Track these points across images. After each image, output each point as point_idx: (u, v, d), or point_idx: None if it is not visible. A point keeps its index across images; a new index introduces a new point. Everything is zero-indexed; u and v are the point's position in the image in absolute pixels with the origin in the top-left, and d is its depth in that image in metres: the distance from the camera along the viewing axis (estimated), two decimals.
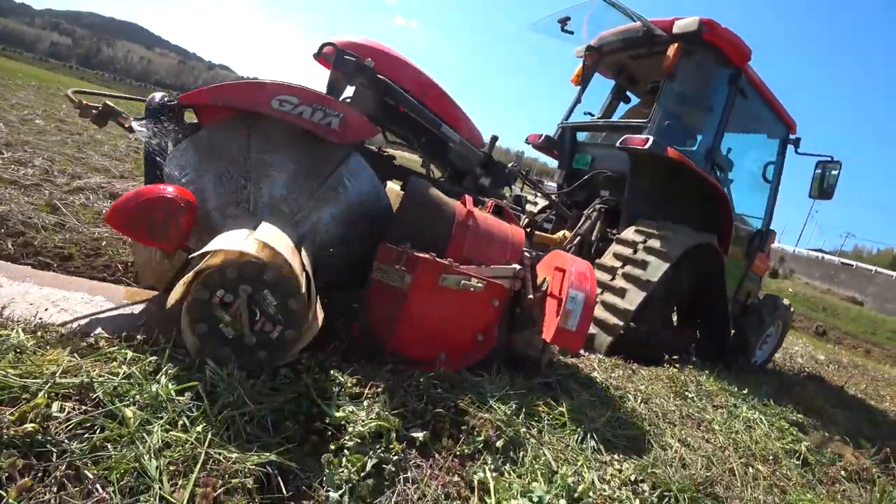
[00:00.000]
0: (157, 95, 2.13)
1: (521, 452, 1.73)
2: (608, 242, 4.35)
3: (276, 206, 2.09)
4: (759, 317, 5.28)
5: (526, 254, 2.46)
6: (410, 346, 2.13)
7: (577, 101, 5.40)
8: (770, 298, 5.74)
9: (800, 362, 7.17)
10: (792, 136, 5.37)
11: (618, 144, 4.21)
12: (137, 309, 2.01)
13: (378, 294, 2.13)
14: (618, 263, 3.89)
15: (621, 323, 3.45)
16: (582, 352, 3.20)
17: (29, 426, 1.15)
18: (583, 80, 5.35)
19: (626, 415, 2.33)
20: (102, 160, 4.93)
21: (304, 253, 1.95)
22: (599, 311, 3.56)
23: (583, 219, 4.66)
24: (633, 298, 3.54)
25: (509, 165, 3.47)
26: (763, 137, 5.59)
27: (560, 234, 4.67)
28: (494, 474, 1.55)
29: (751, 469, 2.32)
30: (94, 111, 2.13)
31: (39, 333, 1.48)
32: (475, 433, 1.70)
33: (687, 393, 3.01)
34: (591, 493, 1.63)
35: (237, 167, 2.08)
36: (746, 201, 5.29)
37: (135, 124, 2.07)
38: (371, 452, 1.42)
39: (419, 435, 1.57)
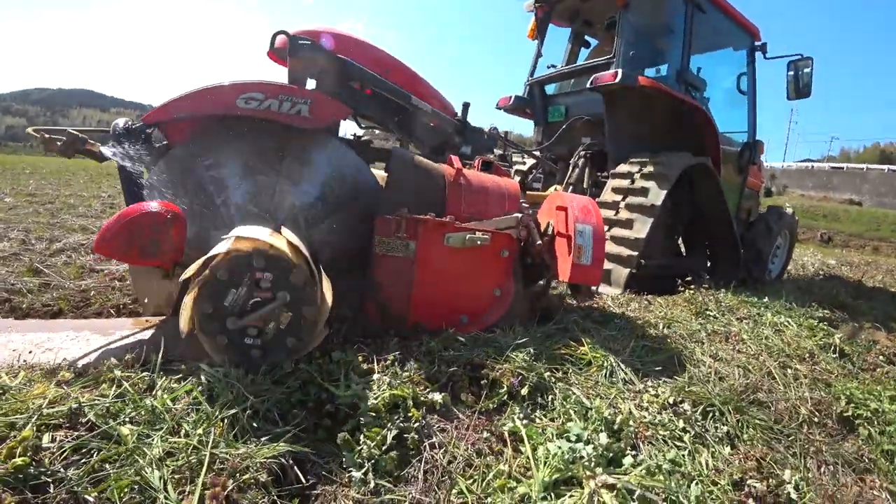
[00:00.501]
0: (120, 121, 2.00)
1: (550, 396, 1.61)
2: (601, 187, 4.20)
3: (291, 216, 2.01)
4: (766, 226, 5.16)
5: (524, 204, 2.35)
6: (430, 315, 2.02)
7: (538, 55, 5.19)
8: (774, 209, 5.61)
9: (812, 269, 7.01)
10: (757, 43, 5.16)
11: (588, 85, 4.04)
12: (126, 336, 1.89)
13: (385, 269, 2.00)
14: (618, 197, 3.76)
15: (635, 253, 3.33)
16: (594, 289, 3.07)
17: (18, 460, 1.04)
18: (539, 33, 5.14)
19: (651, 342, 2.20)
20: (79, 220, 4.78)
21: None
22: (611, 247, 3.43)
23: (570, 168, 4.51)
24: (641, 227, 3.42)
25: (487, 129, 3.33)
26: (730, 51, 5.40)
27: (551, 189, 4.52)
28: (525, 422, 1.42)
29: (789, 370, 2.19)
30: (58, 143, 1.98)
31: (23, 374, 1.36)
32: (497, 385, 1.58)
33: (708, 312, 2.88)
34: (630, 423, 1.51)
35: (258, 176, 2.01)
36: (727, 118, 5.08)
37: (105, 150, 1.94)
38: (389, 424, 1.30)
39: (438, 398, 1.45)
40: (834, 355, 2.48)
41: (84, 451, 1.13)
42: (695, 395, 1.78)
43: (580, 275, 2.12)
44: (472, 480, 1.22)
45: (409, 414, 1.36)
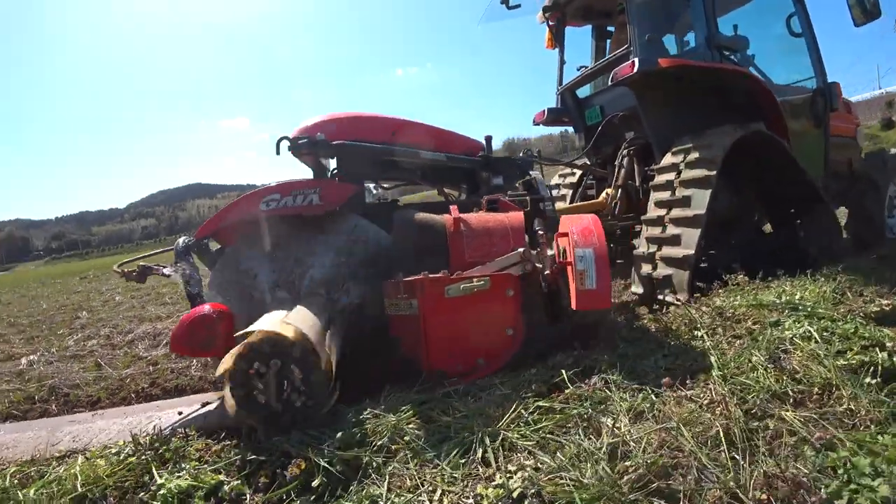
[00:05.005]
0: (180, 240, 2.42)
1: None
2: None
3: (312, 289, 2.28)
4: (870, 176, 4.29)
5: (539, 232, 2.33)
6: (447, 362, 2.05)
7: (562, 62, 4.80)
8: (871, 157, 4.61)
9: None
10: None
11: (609, 82, 3.66)
12: (113, 427, 2.15)
13: (398, 327, 2.16)
14: (662, 212, 3.20)
15: (691, 252, 2.84)
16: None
17: None
18: (557, 40, 4.75)
19: (536, 412, 1.66)
20: (159, 310, 5.59)
21: (331, 331, 2.06)
22: (668, 250, 3.02)
23: (617, 169, 4.06)
24: (690, 238, 2.91)
25: (519, 155, 3.39)
26: None
27: (603, 194, 4.17)
28: None
29: (758, 423, 1.43)
30: (133, 274, 2.43)
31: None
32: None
33: (696, 331, 2.12)
34: None
35: (284, 262, 2.34)
36: (787, 67, 4.26)
37: (165, 270, 2.35)
38: None
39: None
40: (871, 381, 1.57)
41: None
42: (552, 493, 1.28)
43: (587, 301, 1.96)
44: None
45: None
